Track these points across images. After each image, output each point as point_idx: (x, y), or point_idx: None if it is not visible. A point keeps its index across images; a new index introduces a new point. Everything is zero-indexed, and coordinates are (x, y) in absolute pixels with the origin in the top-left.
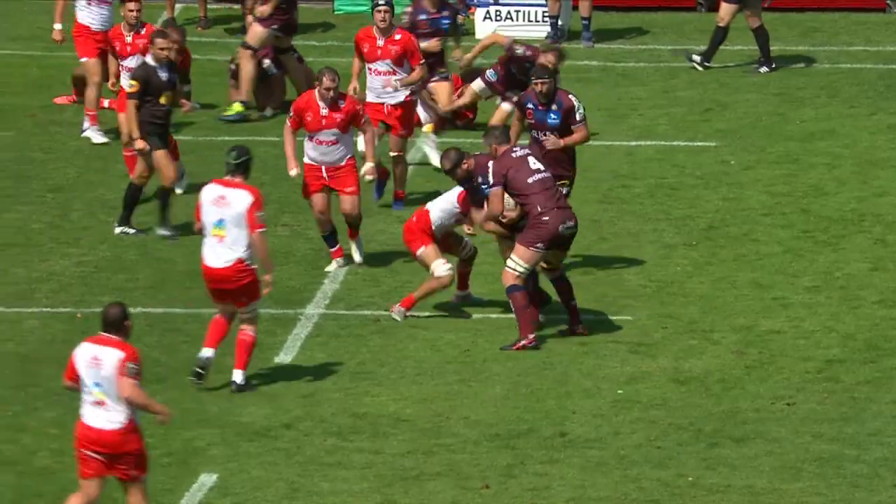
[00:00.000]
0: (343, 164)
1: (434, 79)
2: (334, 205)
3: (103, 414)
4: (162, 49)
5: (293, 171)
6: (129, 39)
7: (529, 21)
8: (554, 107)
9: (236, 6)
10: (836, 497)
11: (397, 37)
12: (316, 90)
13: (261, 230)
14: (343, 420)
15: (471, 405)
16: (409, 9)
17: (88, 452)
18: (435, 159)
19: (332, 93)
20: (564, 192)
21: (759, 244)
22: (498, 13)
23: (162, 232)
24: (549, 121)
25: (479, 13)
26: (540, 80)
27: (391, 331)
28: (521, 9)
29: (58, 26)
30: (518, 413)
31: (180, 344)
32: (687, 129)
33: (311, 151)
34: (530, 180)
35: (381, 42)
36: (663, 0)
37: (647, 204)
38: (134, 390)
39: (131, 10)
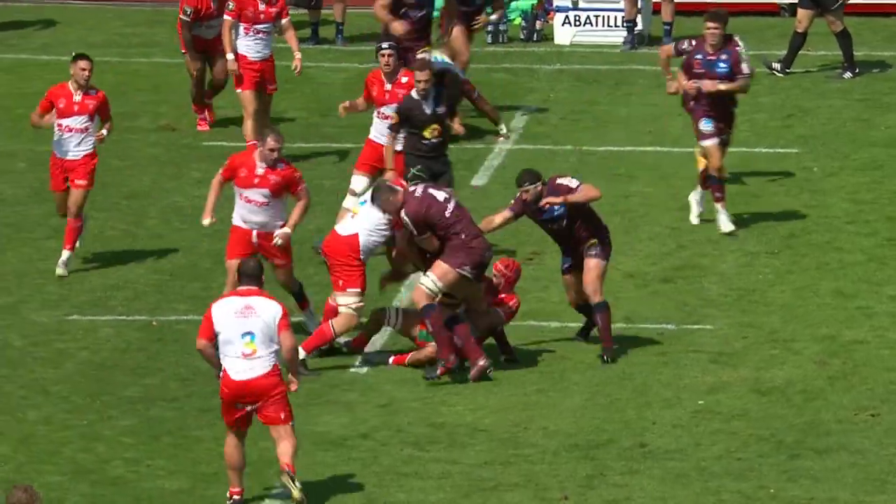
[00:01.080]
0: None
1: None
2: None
3: (254, 364)
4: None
5: (206, 221)
6: (387, 87)
7: (609, 26)
8: (724, 56)
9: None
10: None
11: (403, 80)
12: (257, 150)
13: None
14: (420, 430)
15: (549, 415)
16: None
17: (239, 405)
18: None
19: (275, 154)
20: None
21: (842, 252)
22: (577, 18)
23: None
24: (719, 69)
25: (558, 18)
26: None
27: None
28: (601, 13)
29: (230, 56)
30: (597, 423)
31: None
32: (768, 136)
33: (240, 209)
34: (448, 213)
35: (388, 86)
36: (747, 5)
37: (728, 211)
38: (296, 343)
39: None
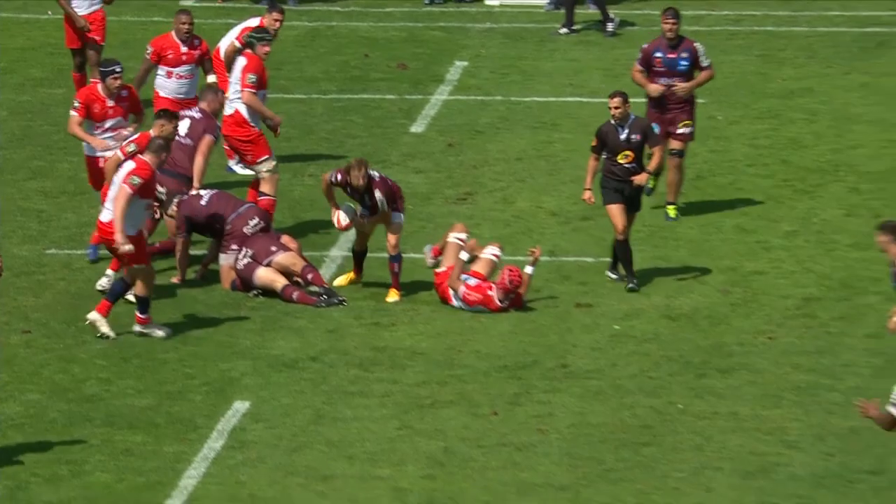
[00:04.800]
0: None
1: None
2: None
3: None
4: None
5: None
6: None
7: None
8: (683, 54)
9: None
10: (813, 422)
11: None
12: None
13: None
14: (364, 353)
15: (481, 339)
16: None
17: None
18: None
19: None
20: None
21: (742, 192)
22: None
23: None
24: (680, 67)
25: None
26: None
27: (408, 272)
28: None
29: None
30: (523, 347)
31: (213, 283)
32: None
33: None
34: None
35: (183, 49)
36: None
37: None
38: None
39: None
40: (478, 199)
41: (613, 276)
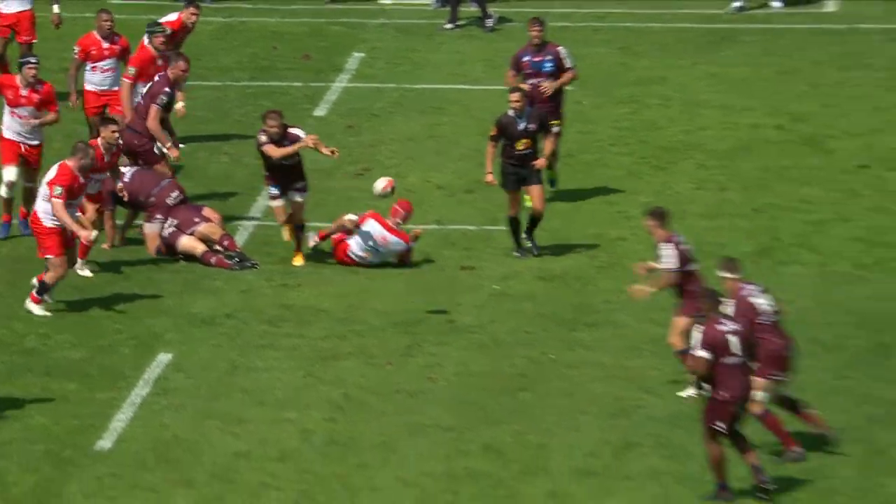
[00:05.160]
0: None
1: None
2: None
3: None
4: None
5: None
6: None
7: None
8: (548, 57)
9: None
10: (668, 371)
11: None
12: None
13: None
14: (274, 311)
15: (377, 298)
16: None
17: None
18: None
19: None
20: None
21: (607, 168)
22: None
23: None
24: (545, 69)
25: None
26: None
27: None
28: None
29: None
30: (415, 305)
31: (139, 248)
32: None
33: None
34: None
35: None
36: None
37: None
38: None
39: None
40: (374, 174)
41: (518, 255)
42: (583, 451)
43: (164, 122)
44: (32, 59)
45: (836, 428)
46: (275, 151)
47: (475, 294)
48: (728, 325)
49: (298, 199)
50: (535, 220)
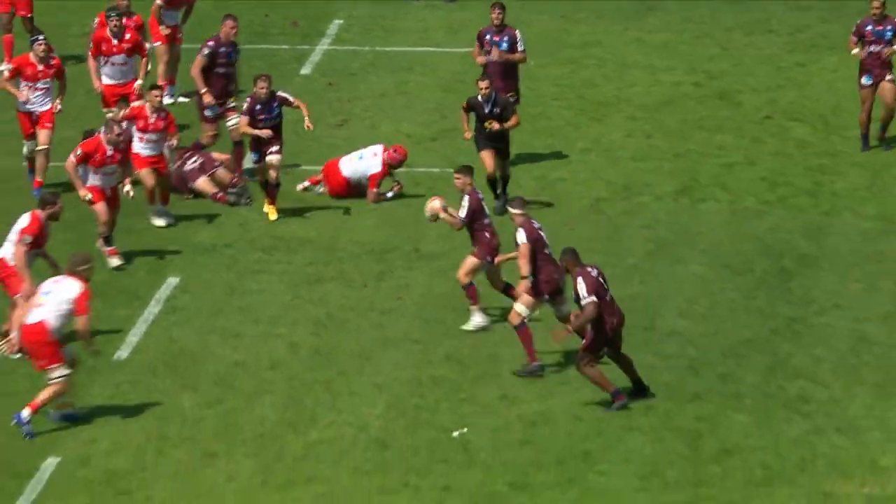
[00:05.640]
0: None
1: None
2: None
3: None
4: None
5: None
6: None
7: None
8: (505, 37)
9: None
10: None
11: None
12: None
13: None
14: (267, 241)
15: (354, 230)
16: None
17: None
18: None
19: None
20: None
21: (549, 120)
22: None
23: None
24: (501, 46)
25: None
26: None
27: (298, 182)
28: None
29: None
30: (387, 236)
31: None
32: None
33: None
34: None
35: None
36: None
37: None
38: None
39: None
40: (351, 124)
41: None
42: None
43: (223, 79)
44: (40, 36)
45: (743, 339)
46: (245, 128)
47: (438, 227)
48: (595, 270)
49: (274, 160)
50: (504, 180)
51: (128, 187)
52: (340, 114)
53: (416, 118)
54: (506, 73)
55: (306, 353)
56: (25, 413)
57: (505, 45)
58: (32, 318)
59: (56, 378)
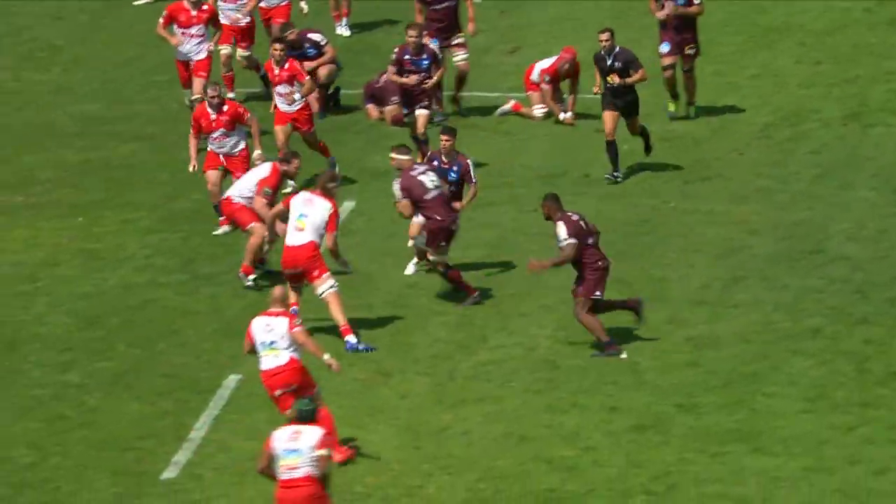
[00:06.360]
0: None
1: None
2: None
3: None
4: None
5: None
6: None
7: None
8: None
9: None
10: (770, 216)
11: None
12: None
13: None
14: None
15: (526, 156)
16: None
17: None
18: None
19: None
20: None
21: (720, 46)
22: None
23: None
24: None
25: None
26: None
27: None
28: None
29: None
30: (557, 161)
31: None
32: None
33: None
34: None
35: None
36: None
37: None
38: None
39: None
40: (523, 51)
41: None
42: (696, 284)
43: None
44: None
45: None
46: (391, 76)
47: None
48: (576, 216)
49: (419, 112)
50: (644, 137)
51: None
52: (513, 41)
53: (588, 45)
54: (684, 26)
55: (478, 274)
56: (349, 339)
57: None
58: (299, 239)
59: (329, 288)
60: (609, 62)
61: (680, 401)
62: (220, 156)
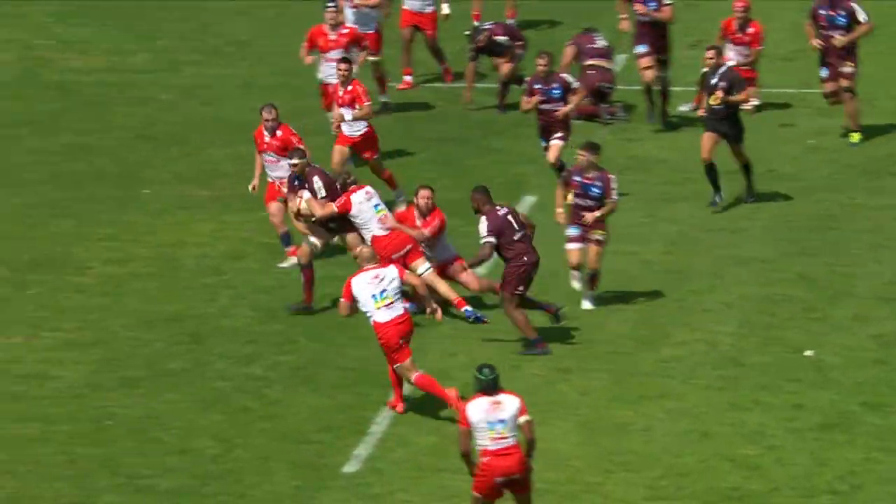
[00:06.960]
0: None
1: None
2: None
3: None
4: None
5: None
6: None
7: None
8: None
9: None
10: None
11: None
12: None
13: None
14: (621, 161)
15: None
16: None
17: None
18: None
19: (271, 123)
20: None
21: None
22: None
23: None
24: None
25: None
26: None
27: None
28: None
29: None
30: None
31: None
32: None
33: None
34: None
35: (332, 35)
36: None
37: None
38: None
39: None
40: (704, 45)
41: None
42: (884, 279)
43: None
44: (330, 3)
45: None
46: (524, 104)
47: (792, 146)
48: (504, 209)
49: (553, 143)
50: (745, 169)
51: None
52: (695, 34)
53: (772, 36)
54: (847, 49)
55: (659, 269)
56: (466, 309)
57: (842, 20)
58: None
59: (427, 269)
60: (714, 80)
61: (866, 399)
62: (277, 183)
